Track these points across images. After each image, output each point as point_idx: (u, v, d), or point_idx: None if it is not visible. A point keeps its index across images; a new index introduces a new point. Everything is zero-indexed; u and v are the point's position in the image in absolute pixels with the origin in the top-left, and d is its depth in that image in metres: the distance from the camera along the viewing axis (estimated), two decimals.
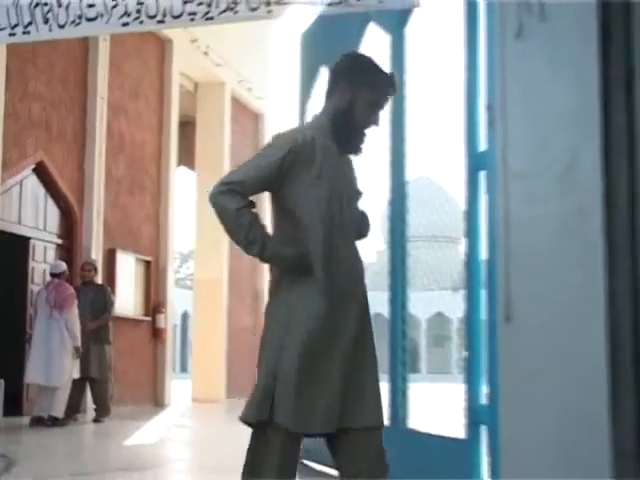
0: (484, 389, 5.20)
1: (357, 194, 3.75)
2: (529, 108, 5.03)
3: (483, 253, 5.17)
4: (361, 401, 3.56)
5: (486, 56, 5.24)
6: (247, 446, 3.54)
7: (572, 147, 4.95)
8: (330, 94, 3.68)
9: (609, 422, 4.75)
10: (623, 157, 5.12)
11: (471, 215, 5.27)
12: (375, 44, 6.88)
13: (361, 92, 3.56)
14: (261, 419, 3.44)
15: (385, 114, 6.31)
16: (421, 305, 33.55)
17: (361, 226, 3.80)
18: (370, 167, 6.67)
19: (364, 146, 3.73)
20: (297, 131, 3.62)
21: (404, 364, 6.09)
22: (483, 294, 5.19)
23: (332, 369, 3.51)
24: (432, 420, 6.44)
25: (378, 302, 6.25)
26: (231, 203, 3.42)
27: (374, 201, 6.53)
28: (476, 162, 5.26)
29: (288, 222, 3.57)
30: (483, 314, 5.21)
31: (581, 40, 5.05)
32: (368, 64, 3.62)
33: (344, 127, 3.57)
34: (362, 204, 3.84)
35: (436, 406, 7.39)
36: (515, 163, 5.00)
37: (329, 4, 5.76)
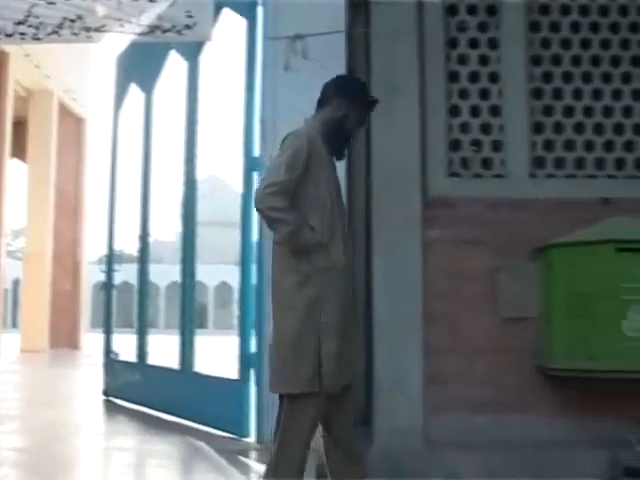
0: (253, 340, 5.24)
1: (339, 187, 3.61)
2: (293, 125, 5.10)
3: (254, 236, 5.21)
4: (350, 363, 3.47)
5: (261, 82, 5.27)
6: (282, 417, 3.35)
7: None
8: (323, 105, 3.57)
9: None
10: (362, 166, 5.30)
11: (245, 206, 5.30)
12: (175, 68, 6.79)
13: (353, 111, 3.50)
14: (312, 390, 3.27)
15: (181, 124, 6.26)
16: (210, 275, 33.33)
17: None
18: (170, 166, 6.58)
19: (346, 152, 3.66)
20: (305, 129, 3.48)
21: (192, 321, 6.05)
22: (254, 267, 5.23)
23: (350, 335, 3.42)
24: (214, 365, 6.42)
25: (176, 273, 6.18)
26: (278, 202, 3.25)
27: (174, 192, 6.44)
28: (251, 164, 5.30)
29: (304, 206, 3.36)
30: (254, 283, 5.25)
31: (333, 73, 5.16)
32: (361, 88, 3.60)
33: (334, 135, 3.49)
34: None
35: (219, 354, 7.41)
36: None
37: (139, 34, 5.60)
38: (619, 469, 4.37)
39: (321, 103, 3.59)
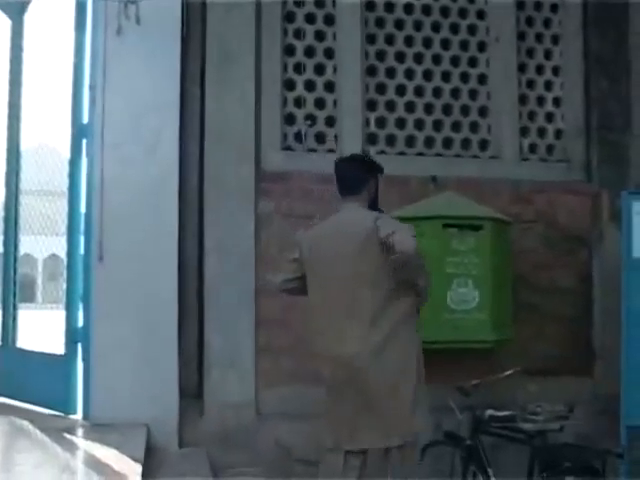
0: (80, 314, 5.10)
1: None
2: (124, 92, 4.96)
3: (83, 206, 5.05)
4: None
5: (91, 45, 5.08)
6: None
7: (157, 126, 4.98)
8: (360, 188, 3.88)
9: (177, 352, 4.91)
10: (196, 138, 5.25)
11: (73, 174, 5.12)
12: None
13: (377, 182, 3.94)
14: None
15: (3, 90, 5.93)
16: (39, 247, 31.68)
17: None
18: None
19: None
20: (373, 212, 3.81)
21: (15, 295, 5.80)
22: (82, 238, 5.08)
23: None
24: (41, 340, 6.19)
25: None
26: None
27: None
28: (79, 131, 5.11)
29: None
30: (81, 254, 5.10)
31: (167, 41, 5.06)
32: (378, 164, 3.98)
33: (372, 208, 3.87)
34: None
35: (47, 329, 7.18)
36: (110, 135, 4.93)
37: None
38: (440, 433, 4.60)
39: (356, 186, 3.88)
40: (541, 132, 5.87)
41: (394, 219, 3.81)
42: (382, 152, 5.54)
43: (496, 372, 4.31)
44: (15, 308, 5.82)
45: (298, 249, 3.87)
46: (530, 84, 5.88)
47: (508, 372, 4.41)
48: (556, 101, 5.91)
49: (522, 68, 5.85)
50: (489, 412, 4.33)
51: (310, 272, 3.80)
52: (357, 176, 3.91)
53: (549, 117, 5.89)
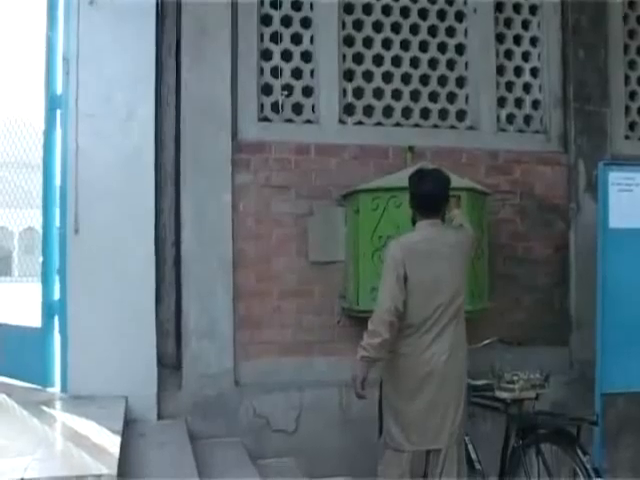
0: (56, 287, 5.08)
1: None
2: (98, 63, 4.91)
3: (58, 178, 5.00)
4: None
5: (64, 16, 5.01)
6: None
7: (132, 98, 4.93)
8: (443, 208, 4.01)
9: (155, 324, 4.90)
10: (172, 109, 5.21)
11: (48, 147, 5.07)
12: None
13: None
14: None
15: None
16: (15, 220, 31.50)
17: None
18: None
19: None
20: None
21: None
22: (57, 212, 5.04)
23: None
24: (18, 314, 6.15)
25: None
26: None
27: None
28: (53, 103, 5.05)
29: None
30: (57, 227, 5.06)
31: (142, 12, 5.01)
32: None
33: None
34: None
35: (23, 302, 7.15)
36: (85, 106, 4.88)
37: None
38: None
39: (443, 209, 4.02)
40: (518, 103, 5.88)
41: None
42: (359, 122, 5.53)
43: (473, 342, 4.36)
44: None
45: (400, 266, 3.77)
46: (508, 54, 5.88)
47: (485, 342, 4.45)
48: (533, 72, 5.91)
49: (500, 38, 5.85)
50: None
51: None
52: (442, 200, 3.99)
53: (527, 88, 5.90)
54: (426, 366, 3.79)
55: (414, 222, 4.03)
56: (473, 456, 4.32)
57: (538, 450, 3.99)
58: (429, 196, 3.91)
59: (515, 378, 4.16)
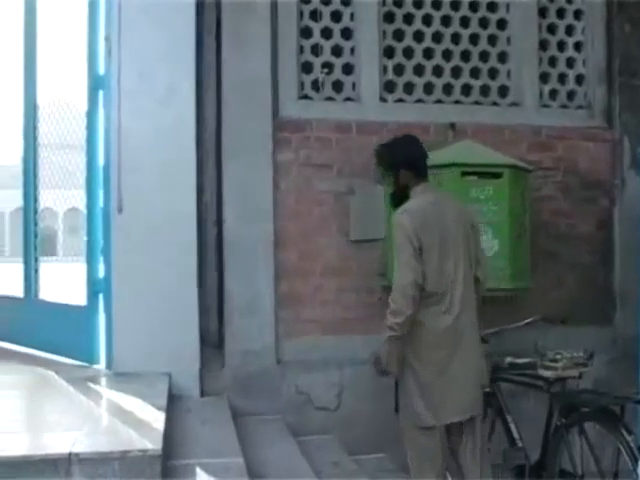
0: (101, 266, 5.14)
1: None
2: (139, 42, 4.93)
3: (101, 158, 5.05)
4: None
5: None
6: None
7: (173, 77, 4.94)
8: None
9: (198, 299, 4.94)
10: (213, 88, 5.22)
11: (90, 127, 5.12)
12: None
13: None
14: None
15: (18, 44, 5.91)
16: (59, 201, 31.91)
17: None
18: (7, 88, 6.25)
19: None
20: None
21: (36, 248, 5.84)
22: (101, 192, 5.09)
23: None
24: (64, 293, 6.25)
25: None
26: None
27: (12, 115, 6.14)
28: (96, 83, 5.09)
29: None
30: (100, 207, 5.12)
31: None
32: None
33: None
34: None
35: (69, 282, 7.24)
36: (126, 85, 4.91)
37: None
38: None
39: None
40: (562, 78, 5.78)
41: None
42: (400, 100, 5.48)
43: (515, 320, 4.32)
44: (37, 261, 5.88)
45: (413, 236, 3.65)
46: (551, 29, 5.77)
47: (528, 320, 4.42)
48: (577, 46, 5.81)
49: (542, 12, 5.74)
50: (508, 359, 4.35)
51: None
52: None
53: (570, 62, 5.80)
54: (448, 333, 3.68)
55: (396, 198, 3.93)
56: (515, 435, 4.30)
57: (581, 429, 3.95)
58: (423, 157, 3.89)
59: (558, 356, 4.12)
